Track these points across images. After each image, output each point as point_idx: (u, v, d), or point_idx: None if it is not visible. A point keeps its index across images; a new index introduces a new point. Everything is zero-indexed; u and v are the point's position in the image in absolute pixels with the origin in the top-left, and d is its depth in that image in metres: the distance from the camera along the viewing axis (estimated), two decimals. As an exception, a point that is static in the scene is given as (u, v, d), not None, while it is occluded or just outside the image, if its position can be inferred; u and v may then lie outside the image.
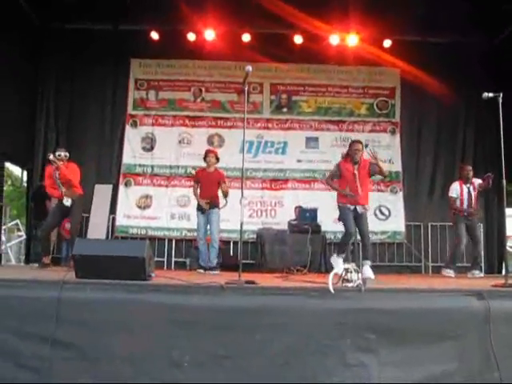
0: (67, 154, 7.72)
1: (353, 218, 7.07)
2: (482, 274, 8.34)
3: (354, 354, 3.85)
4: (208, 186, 8.28)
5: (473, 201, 8.57)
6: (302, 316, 3.97)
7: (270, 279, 5.98)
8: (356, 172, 7.08)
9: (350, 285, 4.01)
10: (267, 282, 5.15)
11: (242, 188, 5.67)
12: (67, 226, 9.52)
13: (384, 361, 3.85)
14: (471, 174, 8.70)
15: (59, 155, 7.60)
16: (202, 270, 8.04)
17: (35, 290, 4.04)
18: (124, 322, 3.90)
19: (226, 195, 8.26)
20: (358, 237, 7.41)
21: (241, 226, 5.45)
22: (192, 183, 8.92)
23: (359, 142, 7.31)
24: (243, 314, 4.02)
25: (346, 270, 4.06)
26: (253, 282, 4.56)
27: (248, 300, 4.13)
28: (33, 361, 3.80)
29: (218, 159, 8.51)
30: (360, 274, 4.06)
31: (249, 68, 5.47)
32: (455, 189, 8.69)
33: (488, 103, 6.16)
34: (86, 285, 4.10)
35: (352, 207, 7.05)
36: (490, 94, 5.81)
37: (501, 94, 5.73)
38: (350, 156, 7.20)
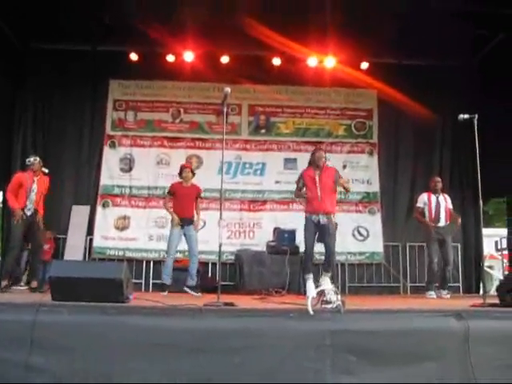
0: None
1: (315, 232, 6.98)
2: (448, 296, 8.20)
3: (334, 376, 3.82)
4: (184, 201, 8.20)
5: (441, 210, 8.47)
6: (281, 338, 3.93)
7: (249, 301, 5.95)
8: (317, 178, 7.04)
9: (329, 306, 3.99)
10: (246, 303, 5.12)
11: (220, 209, 5.67)
12: (45, 247, 9.45)
13: (364, 382, 3.83)
14: (439, 185, 8.67)
15: (36, 159, 7.53)
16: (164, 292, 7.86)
17: (9, 313, 3.96)
18: (101, 345, 3.82)
19: (197, 212, 8.30)
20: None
21: (219, 248, 5.44)
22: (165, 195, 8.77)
23: (321, 148, 7.47)
24: (222, 336, 3.96)
25: (324, 292, 4.05)
26: (232, 304, 4.53)
27: (227, 322, 4.08)
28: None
29: (193, 174, 8.50)
30: (339, 296, 4.05)
31: (227, 89, 5.50)
32: (422, 199, 8.67)
33: (463, 124, 6.24)
34: (62, 308, 4.02)
35: (315, 218, 6.93)
36: (466, 116, 5.90)
37: (476, 116, 5.83)
38: (312, 162, 7.23)
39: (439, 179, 8.84)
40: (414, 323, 4.05)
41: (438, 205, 8.49)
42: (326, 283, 5.98)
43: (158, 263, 10.56)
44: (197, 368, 3.84)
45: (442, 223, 8.45)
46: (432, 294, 8.17)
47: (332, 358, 3.85)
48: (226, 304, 4.52)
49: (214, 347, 3.89)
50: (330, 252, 6.91)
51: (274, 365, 3.85)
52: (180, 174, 8.44)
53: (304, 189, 7.24)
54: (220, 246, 5.43)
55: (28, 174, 7.59)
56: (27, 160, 7.78)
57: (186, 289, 7.91)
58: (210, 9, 9.48)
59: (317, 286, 4.35)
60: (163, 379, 3.79)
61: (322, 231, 6.95)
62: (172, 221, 8.18)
